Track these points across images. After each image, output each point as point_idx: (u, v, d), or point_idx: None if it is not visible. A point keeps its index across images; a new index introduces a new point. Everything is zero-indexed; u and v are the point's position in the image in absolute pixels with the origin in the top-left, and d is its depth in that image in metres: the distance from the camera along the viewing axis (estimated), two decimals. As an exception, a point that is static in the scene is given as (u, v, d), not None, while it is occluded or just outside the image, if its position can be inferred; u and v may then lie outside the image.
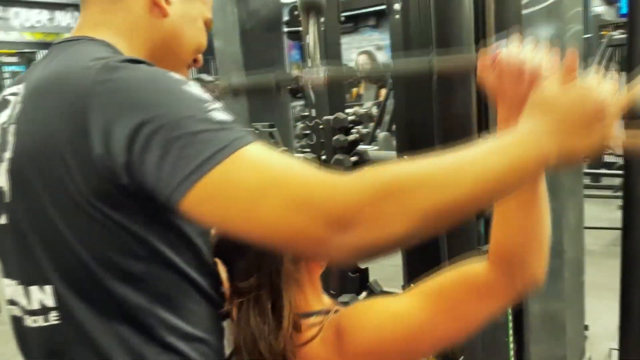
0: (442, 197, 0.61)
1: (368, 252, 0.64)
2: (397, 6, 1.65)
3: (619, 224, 1.60)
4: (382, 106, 5.02)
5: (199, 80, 1.67)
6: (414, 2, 1.54)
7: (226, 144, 0.64)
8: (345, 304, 1.37)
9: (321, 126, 2.04)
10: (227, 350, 0.84)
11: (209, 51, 1.85)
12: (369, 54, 6.61)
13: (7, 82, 9.18)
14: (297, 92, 2.82)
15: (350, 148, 2.04)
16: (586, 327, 2.80)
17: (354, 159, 2.06)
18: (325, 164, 2.08)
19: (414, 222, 0.61)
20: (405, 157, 0.89)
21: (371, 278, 2.06)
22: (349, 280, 2.02)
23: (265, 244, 0.66)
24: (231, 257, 0.88)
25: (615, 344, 1.73)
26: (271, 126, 2.48)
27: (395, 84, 1.96)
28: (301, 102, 5.39)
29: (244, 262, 0.87)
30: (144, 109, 0.65)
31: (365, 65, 5.86)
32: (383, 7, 3.43)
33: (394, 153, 1.92)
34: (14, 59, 10.07)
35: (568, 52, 0.69)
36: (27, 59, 9.78)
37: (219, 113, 0.67)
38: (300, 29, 2.35)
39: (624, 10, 6.43)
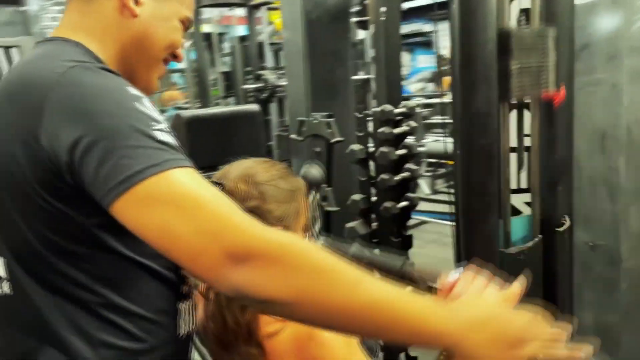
0: (319, 291, 0.66)
1: (245, 296, 0.67)
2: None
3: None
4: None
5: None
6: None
7: (159, 162, 0.69)
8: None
9: (369, 118, 2.04)
10: (184, 329, 0.89)
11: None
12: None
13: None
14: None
15: (397, 141, 2.02)
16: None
17: (401, 152, 2.04)
18: (371, 156, 2.07)
19: (286, 295, 0.66)
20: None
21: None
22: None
23: (171, 258, 0.70)
24: None
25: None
26: (329, 116, 2.49)
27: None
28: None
29: None
30: (92, 118, 0.71)
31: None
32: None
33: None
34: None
35: (515, 284, 0.77)
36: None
37: (163, 134, 0.72)
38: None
39: None
